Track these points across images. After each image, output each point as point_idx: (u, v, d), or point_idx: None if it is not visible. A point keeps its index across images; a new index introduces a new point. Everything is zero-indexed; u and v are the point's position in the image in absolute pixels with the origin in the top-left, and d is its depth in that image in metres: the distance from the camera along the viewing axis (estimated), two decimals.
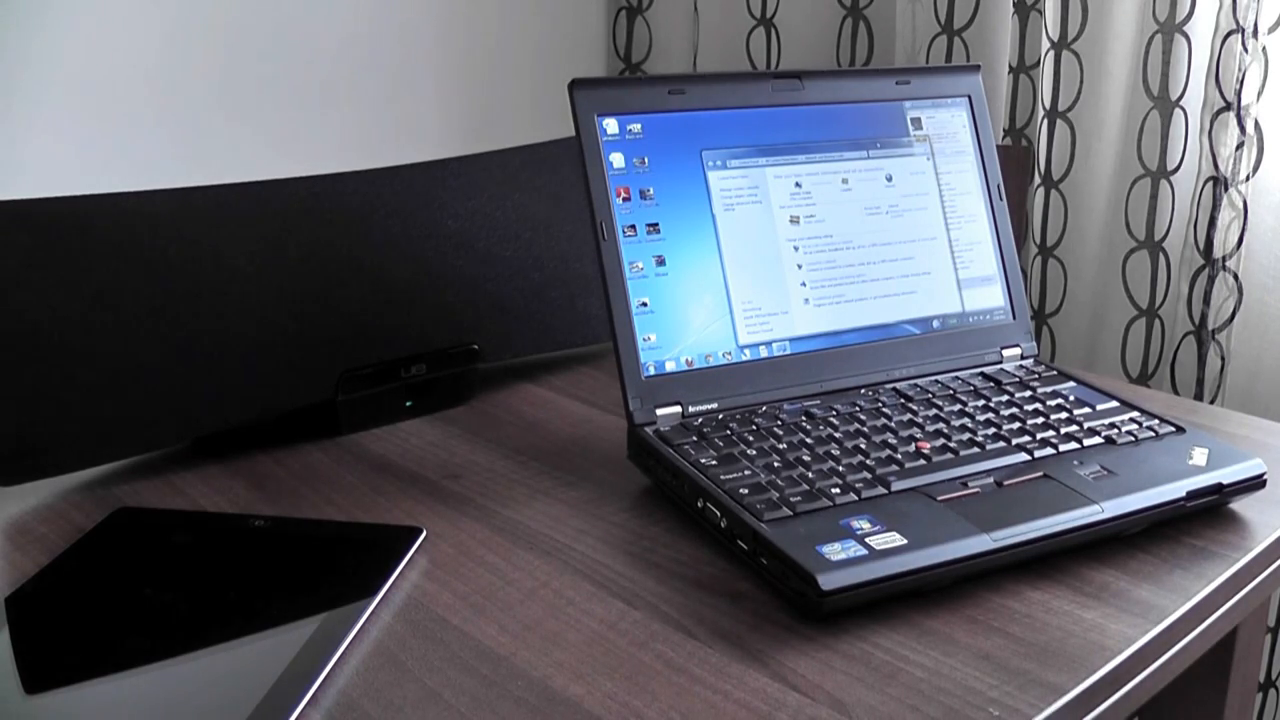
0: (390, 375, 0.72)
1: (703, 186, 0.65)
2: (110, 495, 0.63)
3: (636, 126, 0.64)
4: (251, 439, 0.69)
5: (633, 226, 0.63)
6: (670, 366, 0.63)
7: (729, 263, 0.66)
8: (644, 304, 0.63)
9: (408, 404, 0.73)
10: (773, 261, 0.67)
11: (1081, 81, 1.21)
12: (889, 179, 0.71)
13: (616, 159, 0.63)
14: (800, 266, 0.67)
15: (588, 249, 0.80)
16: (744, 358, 0.65)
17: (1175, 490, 0.56)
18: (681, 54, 1.63)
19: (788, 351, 0.66)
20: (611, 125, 0.64)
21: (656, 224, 0.64)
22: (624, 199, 0.63)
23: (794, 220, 0.67)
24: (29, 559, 0.56)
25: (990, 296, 0.73)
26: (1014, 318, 0.73)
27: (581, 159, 0.62)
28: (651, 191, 0.64)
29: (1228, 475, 0.58)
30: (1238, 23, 1.07)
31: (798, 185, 0.68)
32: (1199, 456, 0.59)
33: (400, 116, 1.48)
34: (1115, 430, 0.62)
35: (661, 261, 0.64)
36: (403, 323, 0.72)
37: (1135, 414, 0.65)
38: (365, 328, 0.70)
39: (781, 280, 0.67)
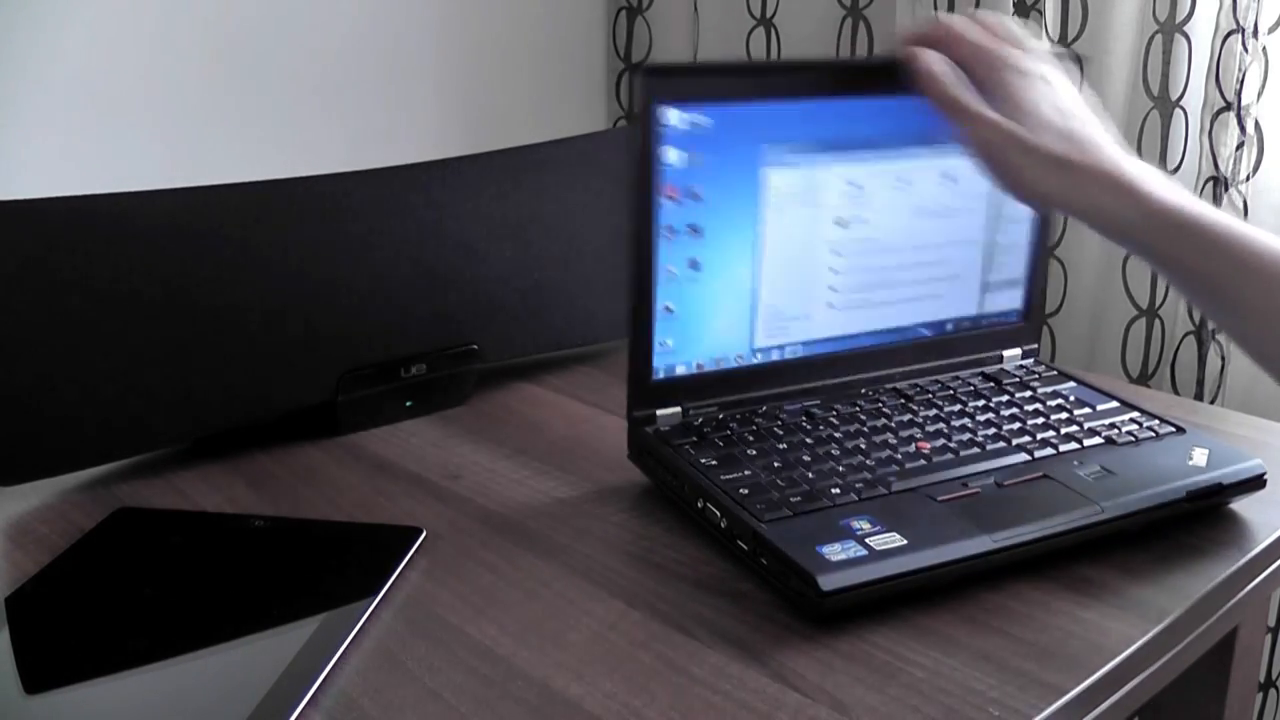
0: (390, 375, 0.71)
1: (756, 185, 0.62)
2: (110, 495, 0.63)
3: (698, 118, 0.60)
4: (251, 439, 0.69)
5: (672, 228, 0.60)
6: (680, 370, 0.63)
7: (766, 268, 0.63)
8: (668, 308, 0.61)
9: (408, 404, 0.73)
10: (808, 266, 0.65)
11: (1081, 81, 1.20)
12: (948, 177, 0.68)
13: (672, 153, 0.60)
14: (835, 271, 0.66)
15: (588, 249, 0.80)
16: (754, 361, 0.65)
17: (1175, 490, 0.56)
18: (681, 54, 1.63)
19: (799, 355, 0.66)
20: (672, 115, 0.59)
21: (699, 226, 0.61)
22: (671, 198, 0.60)
23: (840, 223, 0.65)
24: (29, 559, 0.56)
25: (1009, 299, 0.72)
26: (1027, 320, 0.73)
27: (637, 150, 0.58)
28: (701, 191, 0.61)
29: (1228, 475, 0.58)
30: (1238, 23, 1.07)
31: (855, 184, 0.65)
32: (1199, 456, 0.59)
33: (400, 116, 1.48)
34: (1115, 430, 0.62)
35: (695, 265, 0.62)
36: (403, 323, 0.72)
37: (1135, 414, 0.65)
38: (365, 328, 0.70)
39: (811, 284, 0.65)
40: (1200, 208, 0.54)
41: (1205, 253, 0.53)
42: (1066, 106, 0.57)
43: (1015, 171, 0.55)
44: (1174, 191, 0.54)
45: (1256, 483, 0.59)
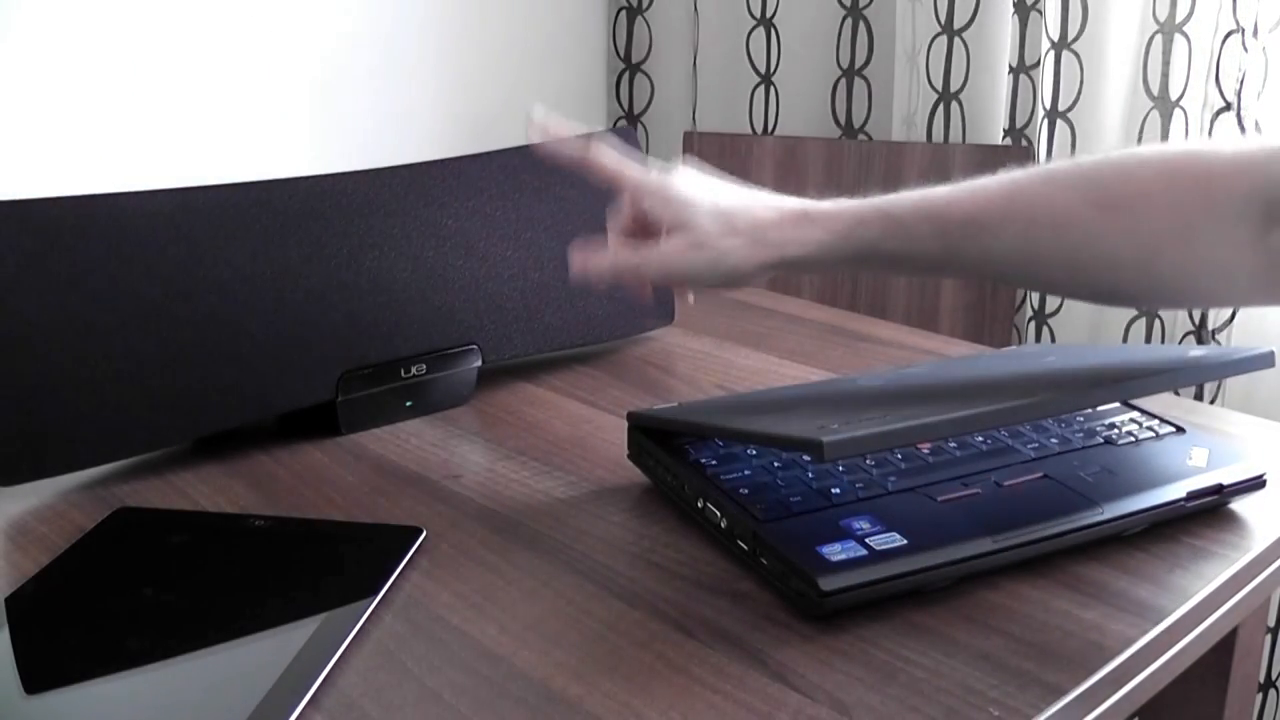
0: (390, 375, 0.71)
1: None
2: (110, 495, 0.63)
3: None
4: (251, 439, 0.69)
5: None
6: None
7: None
8: None
9: (408, 404, 0.73)
10: None
11: (1081, 81, 1.21)
12: None
13: None
14: None
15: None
16: None
17: (1175, 490, 0.56)
18: (681, 54, 1.63)
19: None
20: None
21: None
22: None
23: None
24: (29, 559, 0.56)
25: None
26: None
27: None
28: None
29: (1228, 475, 0.58)
30: (1238, 23, 1.07)
31: None
32: (1199, 457, 0.59)
33: (400, 116, 1.48)
34: (1115, 430, 0.62)
35: None
36: (403, 323, 0.72)
37: (1135, 414, 0.65)
38: (365, 328, 0.70)
39: None
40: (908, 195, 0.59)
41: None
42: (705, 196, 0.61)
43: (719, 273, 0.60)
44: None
45: (1256, 483, 0.59)
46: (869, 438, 0.46)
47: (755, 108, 1.52)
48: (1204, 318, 1.14)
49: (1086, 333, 1.27)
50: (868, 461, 0.58)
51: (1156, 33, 1.14)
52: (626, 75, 1.69)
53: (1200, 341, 1.15)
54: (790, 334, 0.89)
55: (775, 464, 0.58)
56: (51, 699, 0.44)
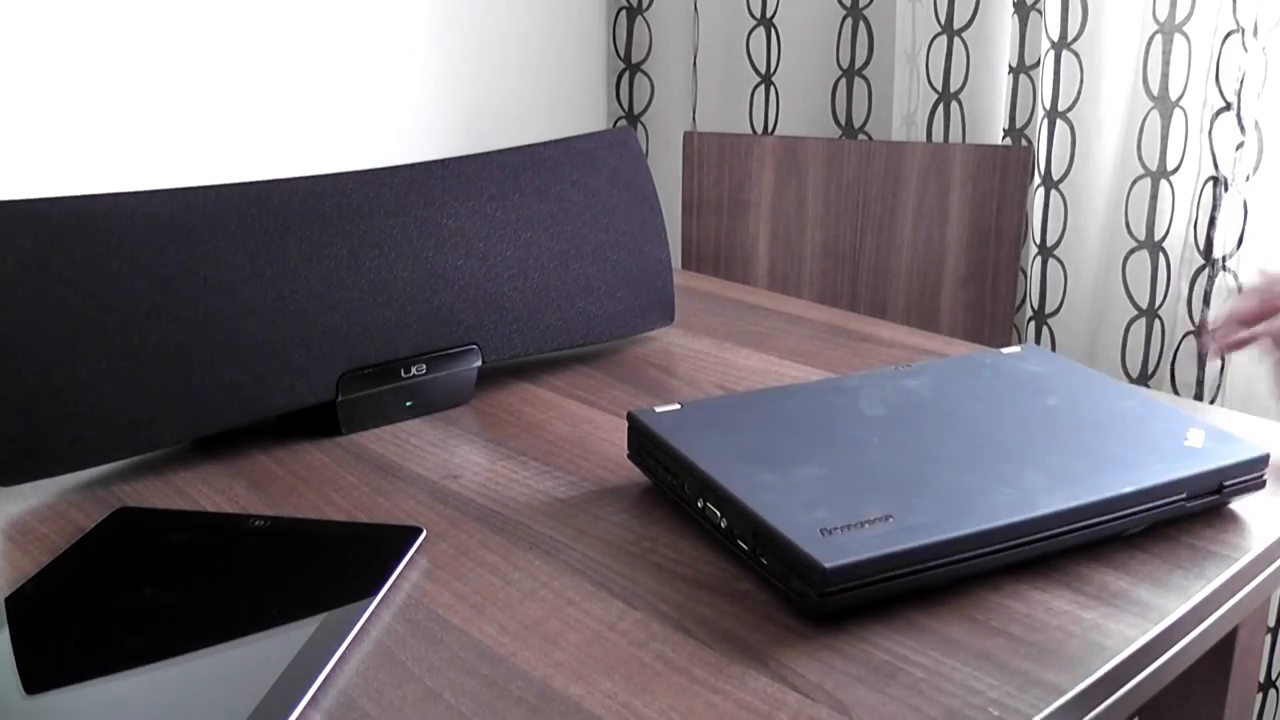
0: (390, 375, 0.72)
1: None
2: (110, 495, 0.63)
3: None
4: (251, 439, 0.69)
5: None
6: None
7: None
8: None
9: (408, 404, 0.73)
10: None
11: (1081, 81, 1.21)
12: None
13: None
14: None
15: (588, 249, 0.80)
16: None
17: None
18: (681, 54, 1.63)
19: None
20: None
21: None
22: None
23: None
24: (29, 559, 0.56)
25: None
26: None
27: None
28: None
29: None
30: (1238, 23, 1.07)
31: None
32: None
33: (400, 116, 1.48)
34: None
35: None
36: (403, 323, 0.72)
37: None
38: (365, 328, 0.70)
39: None
40: None
41: None
42: None
43: None
44: None
45: (1256, 483, 0.59)
46: (870, 562, 0.48)
47: (755, 108, 1.52)
48: (1204, 318, 1.14)
49: (1086, 332, 1.27)
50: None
51: (1156, 33, 1.14)
52: (626, 75, 1.69)
53: (1200, 341, 1.15)
54: (790, 334, 0.89)
55: None
56: (51, 699, 0.44)
